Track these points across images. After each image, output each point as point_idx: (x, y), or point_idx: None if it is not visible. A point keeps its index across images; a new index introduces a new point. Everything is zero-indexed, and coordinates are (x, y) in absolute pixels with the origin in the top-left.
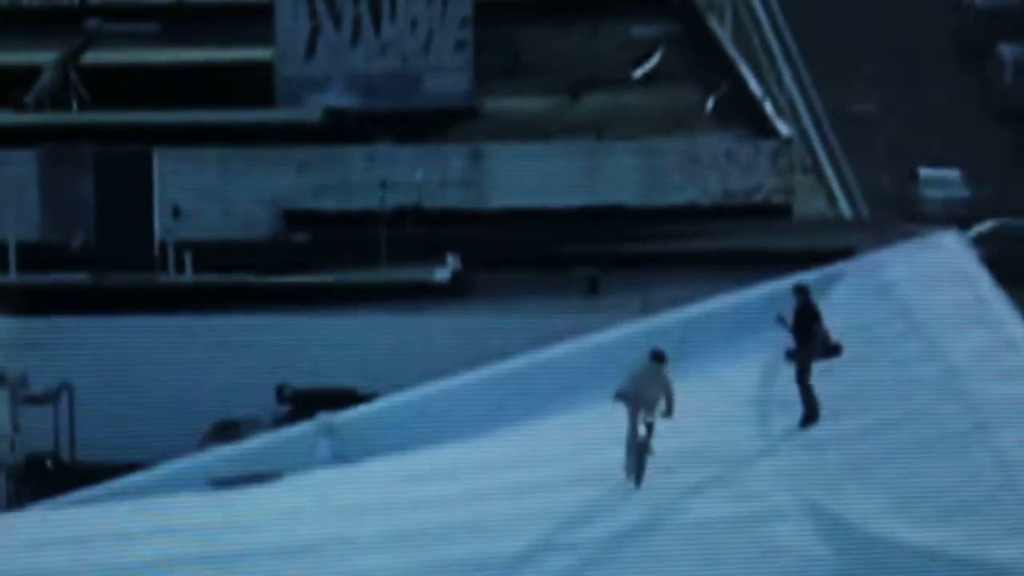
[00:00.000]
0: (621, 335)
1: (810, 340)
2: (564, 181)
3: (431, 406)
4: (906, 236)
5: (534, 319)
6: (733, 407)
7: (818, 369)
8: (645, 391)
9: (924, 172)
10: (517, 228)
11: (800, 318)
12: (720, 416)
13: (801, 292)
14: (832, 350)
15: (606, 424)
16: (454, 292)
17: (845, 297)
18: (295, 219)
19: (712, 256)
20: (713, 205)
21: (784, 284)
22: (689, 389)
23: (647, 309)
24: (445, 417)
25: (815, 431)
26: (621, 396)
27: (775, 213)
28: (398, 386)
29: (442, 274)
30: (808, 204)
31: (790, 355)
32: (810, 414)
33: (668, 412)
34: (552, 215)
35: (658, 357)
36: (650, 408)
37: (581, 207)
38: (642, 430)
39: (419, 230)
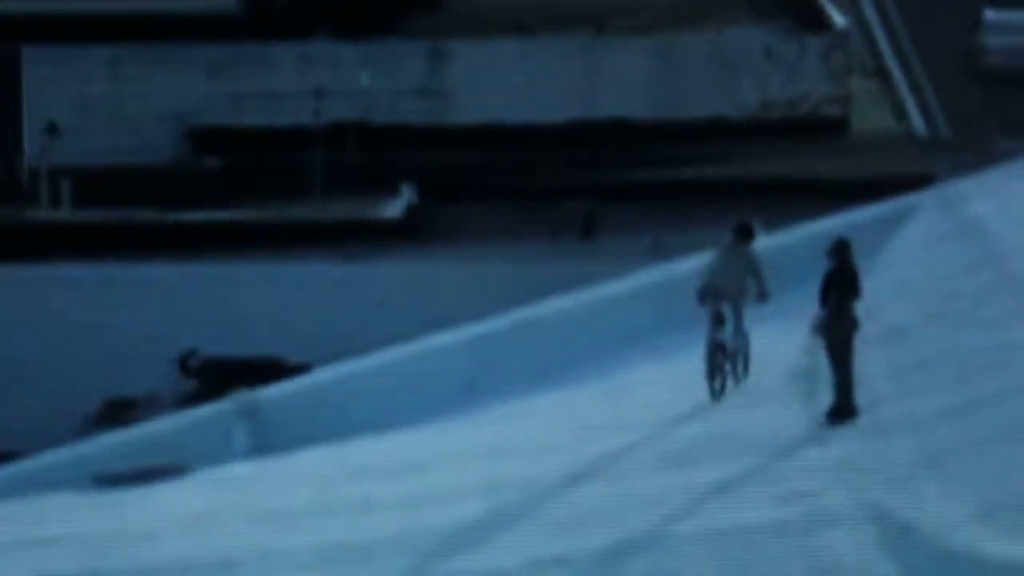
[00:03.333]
0: (626, 289)
1: (849, 308)
2: (553, 89)
3: (381, 381)
4: (997, 159)
5: (514, 268)
6: (775, 381)
7: (879, 334)
8: (728, 277)
9: (989, 15)
10: (491, 150)
11: (836, 279)
12: (758, 392)
13: (841, 249)
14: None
15: (610, 403)
16: (410, 233)
17: (919, 238)
18: (205, 139)
19: (745, 186)
20: (746, 119)
21: (839, 222)
22: (697, 351)
23: (659, 255)
24: (400, 394)
25: (882, 413)
26: (700, 292)
27: (827, 129)
28: (337, 355)
29: (394, 210)
30: (870, 117)
31: (820, 327)
32: (842, 406)
33: (761, 296)
34: (537, 133)
35: (744, 232)
36: (736, 297)
37: (574, 123)
38: (729, 330)
39: (364, 153)
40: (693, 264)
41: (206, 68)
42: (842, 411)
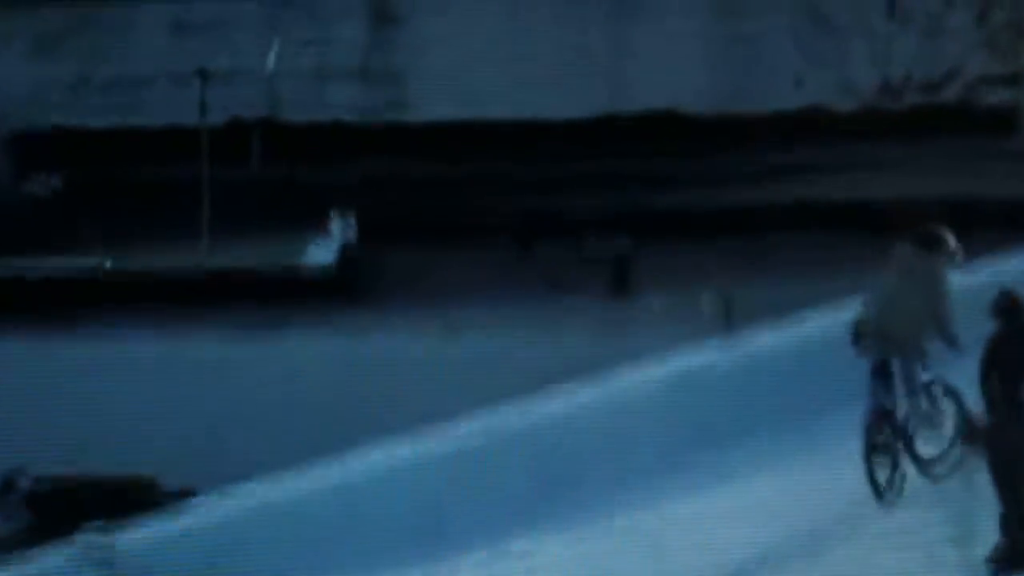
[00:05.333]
0: (674, 372)
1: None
2: (561, 70)
3: (301, 514)
4: None
5: (504, 341)
6: (908, 509)
7: None
8: (899, 310)
9: None
10: (467, 162)
11: (1002, 353)
12: (882, 526)
13: (1011, 307)
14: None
15: (646, 548)
16: (345, 288)
17: None
18: (34, 148)
19: (858, 211)
20: (858, 111)
21: (1008, 268)
22: (803, 462)
23: (725, 319)
24: (330, 535)
25: None
26: (855, 334)
27: (987, 123)
28: (237, 474)
29: (322, 253)
30: None
31: (971, 431)
32: (1013, 549)
33: (946, 339)
34: (538, 136)
35: (928, 242)
36: (908, 341)
37: (595, 120)
38: (899, 391)
39: (275, 167)
40: (781, 336)
41: (34, 42)
42: (1013, 556)
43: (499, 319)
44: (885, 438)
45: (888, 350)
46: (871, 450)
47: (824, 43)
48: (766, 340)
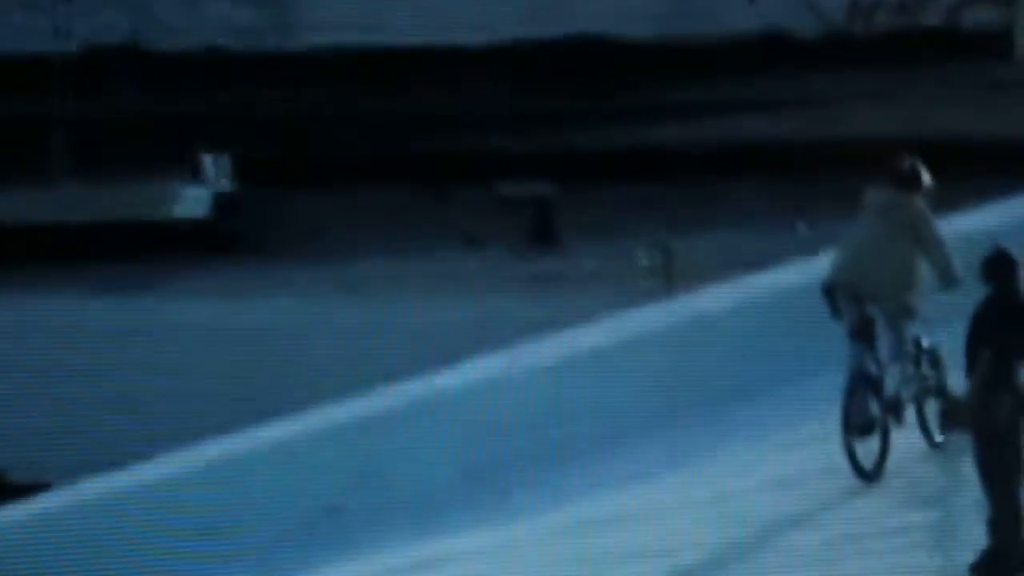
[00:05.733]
0: (607, 335)
1: (1015, 376)
2: None
3: (169, 508)
4: None
5: (409, 302)
6: (878, 505)
7: None
8: (876, 259)
9: None
10: (366, 95)
11: (991, 321)
12: (848, 523)
13: (1001, 269)
14: None
15: (579, 546)
16: (221, 242)
17: None
18: None
19: (823, 151)
20: (822, 38)
21: (997, 218)
22: (766, 443)
23: (665, 272)
24: (204, 531)
25: None
26: (827, 288)
27: (973, 51)
28: (94, 462)
29: (193, 201)
30: None
31: (963, 412)
32: (1002, 552)
33: (946, 278)
34: (450, 66)
35: (904, 178)
36: (890, 294)
37: (516, 47)
38: (884, 352)
39: (141, 102)
40: (736, 294)
41: None
42: (1002, 560)
43: (406, 274)
44: (870, 411)
45: (869, 308)
46: (852, 426)
47: None
48: (719, 299)
